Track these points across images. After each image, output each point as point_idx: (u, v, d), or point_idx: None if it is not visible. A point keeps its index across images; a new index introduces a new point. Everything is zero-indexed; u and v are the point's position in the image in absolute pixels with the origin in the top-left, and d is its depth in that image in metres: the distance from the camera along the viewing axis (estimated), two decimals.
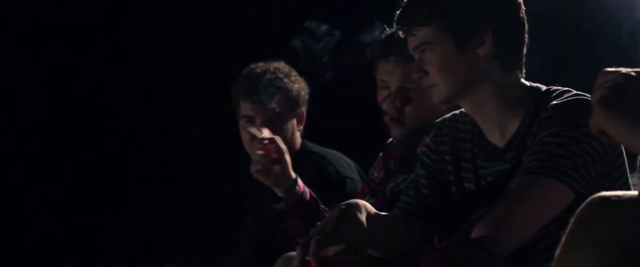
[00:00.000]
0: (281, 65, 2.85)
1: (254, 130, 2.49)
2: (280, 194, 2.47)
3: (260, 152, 2.43)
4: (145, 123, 4.12)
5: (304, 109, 2.87)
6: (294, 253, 2.11)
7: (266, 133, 2.47)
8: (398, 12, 1.95)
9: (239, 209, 3.05)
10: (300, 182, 2.47)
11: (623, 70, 1.32)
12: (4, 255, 4.04)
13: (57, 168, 4.09)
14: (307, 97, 2.88)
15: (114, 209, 4.10)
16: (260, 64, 2.85)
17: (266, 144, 2.43)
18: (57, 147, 4.08)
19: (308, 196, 2.47)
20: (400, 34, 1.97)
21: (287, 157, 2.45)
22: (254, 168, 2.45)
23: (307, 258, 1.71)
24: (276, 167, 2.43)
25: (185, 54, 4.13)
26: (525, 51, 1.94)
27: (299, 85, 2.84)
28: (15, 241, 4.04)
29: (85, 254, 4.08)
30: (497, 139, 1.93)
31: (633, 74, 1.31)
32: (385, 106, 2.43)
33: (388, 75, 2.43)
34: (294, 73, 2.86)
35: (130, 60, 4.10)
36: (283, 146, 2.45)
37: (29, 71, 4.07)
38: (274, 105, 2.79)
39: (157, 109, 4.13)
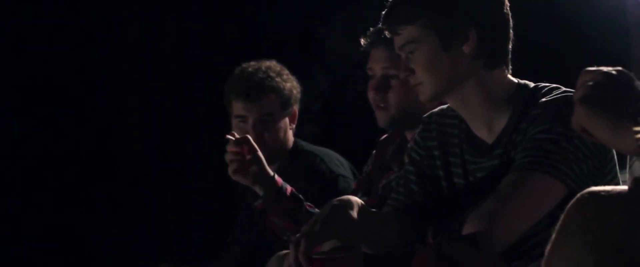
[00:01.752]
0: (273, 64, 2.85)
1: (229, 136, 2.46)
2: (260, 192, 2.44)
3: (232, 150, 2.40)
4: (141, 124, 4.12)
5: (296, 108, 2.87)
6: (287, 251, 2.11)
7: (236, 134, 2.45)
8: (384, 12, 1.96)
9: (232, 209, 3.05)
10: (278, 178, 2.44)
11: (604, 69, 1.34)
12: (2, 255, 4.03)
13: (54, 168, 4.09)
14: (299, 95, 2.87)
15: (109, 209, 4.10)
16: (252, 63, 2.85)
17: (238, 144, 2.40)
18: (54, 147, 4.08)
19: (288, 191, 2.44)
20: (387, 33, 1.98)
21: (261, 155, 2.41)
22: (230, 169, 2.41)
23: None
24: (253, 167, 2.41)
25: (183, 54, 4.13)
26: (510, 47, 1.95)
27: (290, 84, 2.83)
28: (12, 240, 4.03)
29: (80, 253, 4.08)
30: (484, 135, 1.94)
31: (614, 72, 1.33)
32: (370, 94, 2.44)
33: (374, 63, 2.43)
34: (286, 72, 2.85)
35: (129, 60, 4.10)
36: (254, 145, 2.42)
37: (28, 71, 4.07)
38: (265, 104, 2.79)
39: (153, 109, 4.13)
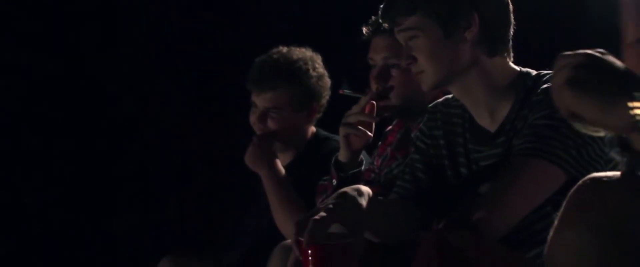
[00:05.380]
0: (305, 55, 2.73)
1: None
2: (342, 159, 2.42)
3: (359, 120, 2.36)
4: (144, 116, 4.12)
5: (316, 105, 2.76)
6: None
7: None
8: (382, 5, 1.96)
9: (238, 200, 3.04)
10: (362, 171, 2.44)
11: (583, 51, 1.31)
12: (8, 250, 4.04)
13: (57, 162, 4.09)
14: (324, 92, 2.76)
15: (114, 201, 4.11)
16: (283, 50, 2.74)
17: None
18: (55, 142, 4.08)
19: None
20: (386, 26, 1.98)
21: (370, 137, 2.40)
22: (348, 130, 2.38)
23: (301, 238, 1.70)
24: (360, 141, 2.39)
25: (186, 48, 4.13)
26: (511, 34, 1.95)
27: (314, 81, 2.72)
28: (14, 235, 4.05)
29: (84, 246, 4.09)
30: (487, 123, 1.94)
31: (596, 54, 1.30)
32: (372, 84, 2.42)
33: (374, 53, 2.40)
34: (317, 67, 2.74)
35: (129, 57, 4.10)
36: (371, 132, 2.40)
37: (29, 70, 4.08)
38: (272, 97, 2.71)
39: (156, 101, 4.13)
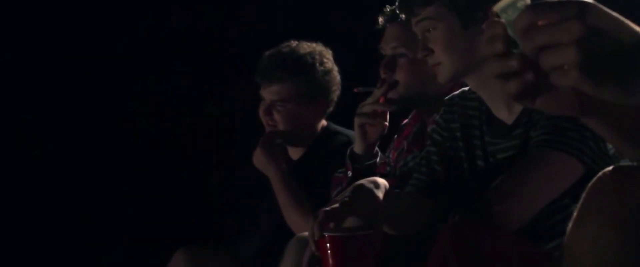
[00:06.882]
0: (316, 50, 2.72)
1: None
2: (357, 151, 2.42)
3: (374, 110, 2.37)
4: (160, 106, 4.13)
5: (325, 100, 2.74)
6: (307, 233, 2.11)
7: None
8: None
9: (252, 193, 3.04)
10: (378, 161, 2.43)
11: (569, 12, 0.93)
12: (10, 250, 4.06)
13: (75, 153, 4.11)
14: (334, 88, 2.74)
15: (129, 194, 4.11)
16: (294, 44, 2.73)
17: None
18: (75, 134, 4.10)
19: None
20: (403, 16, 1.96)
21: (385, 127, 2.40)
22: (363, 120, 2.38)
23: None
24: (376, 131, 2.39)
25: (189, 46, 4.14)
26: None
27: (320, 76, 2.70)
28: (24, 228, 4.06)
29: (98, 238, 4.10)
30: (504, 116, 1.93)
31: (591, 12, 0.93)
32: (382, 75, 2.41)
33: (385, 43, 2.39)
34: (326, 62, 2.73)
35: (133, 56, 4.11)
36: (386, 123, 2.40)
37: (30, 70, 4.09)
38: (276, 91, 2.71)
39: (172, 91, 4.14)
